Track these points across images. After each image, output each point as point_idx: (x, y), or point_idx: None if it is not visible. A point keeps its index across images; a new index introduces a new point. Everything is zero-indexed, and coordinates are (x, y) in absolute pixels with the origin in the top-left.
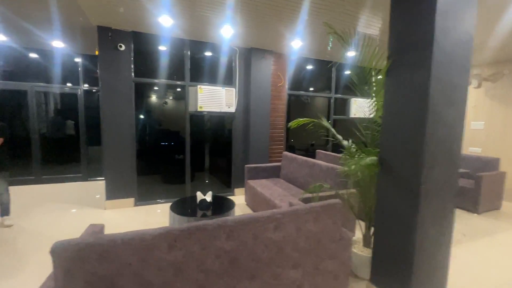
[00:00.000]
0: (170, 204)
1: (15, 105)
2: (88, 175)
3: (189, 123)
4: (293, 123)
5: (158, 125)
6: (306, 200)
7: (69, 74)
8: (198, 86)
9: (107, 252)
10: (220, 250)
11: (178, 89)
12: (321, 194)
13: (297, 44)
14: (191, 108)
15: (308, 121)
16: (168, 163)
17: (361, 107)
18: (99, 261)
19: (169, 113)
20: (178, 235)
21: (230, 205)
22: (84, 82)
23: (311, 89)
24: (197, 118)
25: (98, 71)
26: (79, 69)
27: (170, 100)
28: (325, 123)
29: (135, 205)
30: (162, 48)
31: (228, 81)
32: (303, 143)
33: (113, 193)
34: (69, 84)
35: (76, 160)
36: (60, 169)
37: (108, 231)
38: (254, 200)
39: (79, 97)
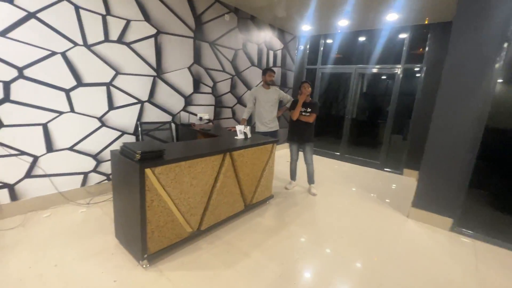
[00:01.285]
0: None
1: (337, 87)
2: (385, 165)
3: None
4: None
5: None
6: None
7: (390, 53)
8: None
9: None
10: None
11: None
12: None
13: None
14: None
15: None
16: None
17: None
18: None
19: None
20: None
21: None
22: (406, 62)
23: None
24: None
25: (427, 45)
26: (404, 48)
27: None
28: None
29: (452, 229)
30: None
31: None
32: None
33: (423, 200)
34: (388, 65)
35: (376, 146)
36: (361, 151)
37: (408, 255)
38: None
39: (396, 79)
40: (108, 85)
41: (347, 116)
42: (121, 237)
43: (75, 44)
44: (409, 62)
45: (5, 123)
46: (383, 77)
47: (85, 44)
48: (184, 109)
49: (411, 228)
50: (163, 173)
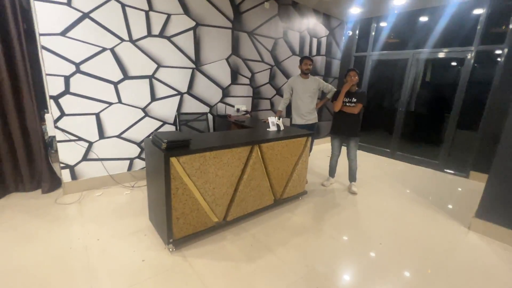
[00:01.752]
0: None
1: (391, 76)
2: (446, 165)
3: None
4: None
5: None
6: None
7: (458, 34)
8: None
9: None
10: None
11: None
12: None
13: None
14: None
15: None
16: None
17: None
18: None
19: None
20: None
21: None
22: (481, 43)
23: None
24: None
25: (511, 21)
26: (478, 26)
27: None
28: None
29: None
30: None
31: None
32: None
33: (491, 210)
34: (455, 48)
35: (435, 143)
36: (416, 149)
37: (468, 275)
38: None
39: (465, 64)
40: (151, 77)
41: (400, 108)
42: (153, 220)
43: (122, 40)
44: (484, 43)
45: (66, 112)
46: (449, 62)
47: (131, 40)
48: (221, 101)
49: (473, 243)
50: (187, 162)
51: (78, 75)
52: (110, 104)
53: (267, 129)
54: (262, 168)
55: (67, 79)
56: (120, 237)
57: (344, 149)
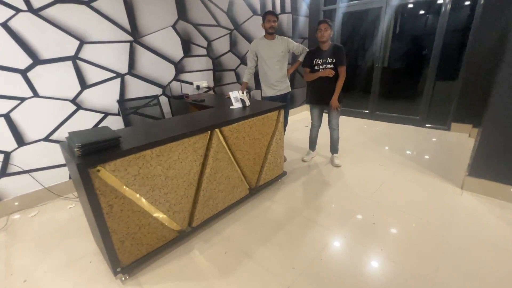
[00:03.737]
0: None
1: (364, 30)
2: (427, 120)
3: None
4: None
5: None
6: None
7: None
8: None
9: None
10: None
11: None
12: None
13: None
14: None
15: None
16: None
17: None
18: None
19: None
20: None
21: None
22: None
23: None
24: None
25: None
26: None
27: None
28: None
29: None
30: None
31: None
32: None
33: (485, 168)
34: None
35: (415, 98)
36: (395, 106)
37: (471, 243)
38: None
39: (442, 10)
40: (74, 58)
41: (376, 64)
42: (97, 243)
43: (17, 10)
44: None
45: None
46: (425, 8)
47: (30, 9)
48: (176, 78)
49: (469, 205)
50: (119, 169)
51: None
52: (23, 99)
53: (230, 107)
54: (228, 157)
55: None
56: (57, 271)
57: (325, 117)
